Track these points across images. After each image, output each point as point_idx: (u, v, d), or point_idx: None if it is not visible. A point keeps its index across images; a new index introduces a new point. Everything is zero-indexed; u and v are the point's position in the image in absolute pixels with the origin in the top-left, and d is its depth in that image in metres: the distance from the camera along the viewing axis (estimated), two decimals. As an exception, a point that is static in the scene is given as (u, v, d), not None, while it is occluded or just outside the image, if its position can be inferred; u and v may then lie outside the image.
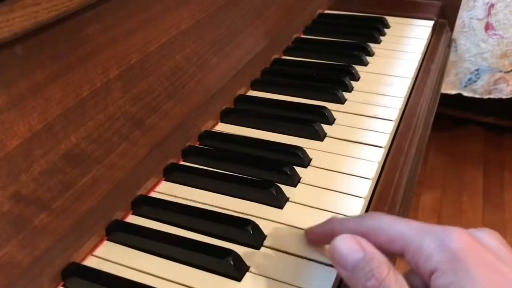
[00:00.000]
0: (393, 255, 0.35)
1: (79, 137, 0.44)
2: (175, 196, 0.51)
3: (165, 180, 0.53)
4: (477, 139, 1.85)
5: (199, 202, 0.50)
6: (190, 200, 0.51)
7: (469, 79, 1.62)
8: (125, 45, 0.50)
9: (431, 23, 0.91)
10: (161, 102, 0.54)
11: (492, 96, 1.62)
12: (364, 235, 0.36)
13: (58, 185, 0.42)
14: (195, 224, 0.47)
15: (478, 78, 1.60)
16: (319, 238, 0.42)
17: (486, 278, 0.30)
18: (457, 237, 0.32)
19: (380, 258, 0.34)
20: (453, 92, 1.65)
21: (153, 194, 0.52)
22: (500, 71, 1.56)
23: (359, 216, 0.40)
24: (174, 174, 0.53)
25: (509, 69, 1.55)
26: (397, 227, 0.35)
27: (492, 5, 1.47)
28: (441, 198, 1.62)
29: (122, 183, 0.48)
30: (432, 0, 0.96)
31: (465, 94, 1.65)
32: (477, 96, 1.64)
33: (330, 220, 0.42)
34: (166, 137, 0.54)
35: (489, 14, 1.48)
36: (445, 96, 1.64)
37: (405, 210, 0.64)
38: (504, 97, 1.60)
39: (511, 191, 1.64)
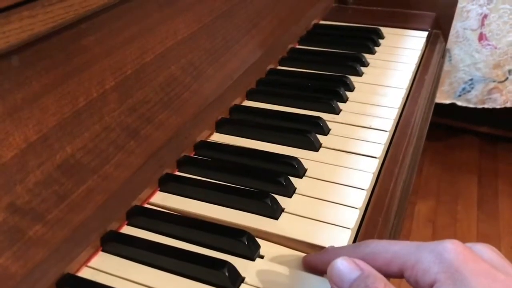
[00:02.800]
0: (393, 276, 0.36)
1: (75, 148, 0.44)
2: (170, 207, 0.51)
3: (160, 190, 0.53)
4: (471, 149, 1.86)
5: (194, 213, 0.50)
6: (185, 210, 0.51)
7: (463, 89, 1.63)
8: (121, 56, 0.50)
9: (425, 33, 0.91)
10: (157, 112, 0.54)
11: (486, 106, 1.63)
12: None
13: (53, 196, 0.42)
14: (190, 235, 0.47)
15: (472, 88, 1.61)
16: (316, 267, 0.43)
17: (484, 285, 0.30)
18: (452, 248, 0.32)
19: (375, 275, 0.34)
20: (448, 101, 1.66)
21: (148, 205, 0.52)
22: (494, 81, 1.57)
23: (355, 244, 0.41)
24: (169, 184, 0.53)
25: (503, 79, 1.56)
26: (393, 248, 0.36)
27: (485, 16, 1.48)
28: (435, 207, 1.63)
29: (117, 193, 0.48)
30: (426, 11, 0.97)
31: (459, 103, 1.66)
32: (471, 105, 1.65)
33: (326, 250, 0.43)
34: (161, 147, 0.54)
35: (482, 24, 1.49)
36: (439, 105, 1.65)
37: (400, 220, 0.65)
38: (498, 107, 1.61)
39: (505, 201, 1.65)
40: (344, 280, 0.35)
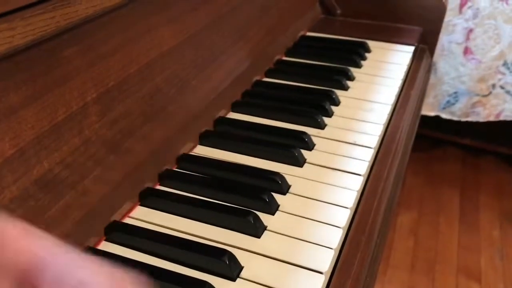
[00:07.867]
0: None
1: (53, 162, 0.43)
2: (150, 223, 0.50)
3: (140, 205, 0.52)
4: (454, 161, 1.87)
5: (174, 229, 0.49)
6: (165, 227, 0.49)
7: (448, 102, 1.64)
8: (103, 67, 0.49)
9: (412, 48, 0.92)
10: (139, 125, 0.53)
11: (469, 119, 1.64)
12: None
13: (29, 212, 0.40)
14: (169, 253, 0.46)
15: (457, 100, 1.62)
16: None
17: None
18: None
19: None
20: (432, 114, 1.67)
21: (127, 220, 0.50)
22: (478, 95, 1.59)
23: None
24: (150, 199, 0.52)
25: (487, 93, 1.57)
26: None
27: (471, 30, 1.49)
28: (418, 218, 1.63)
29: (96, 208, 0.47)
30: (413, 25, 0.97)
31: (444, 116, 1.67)
32: (455, 118, 1.66)
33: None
34: (143, 161, 0.53)
35: (468, 38, 1.50)
36: (423, 117, 1.66)
37: (384, 235, 0.64)
38: (481, 120, 1.63)
39: (487, 213, 1.66)
40: None
